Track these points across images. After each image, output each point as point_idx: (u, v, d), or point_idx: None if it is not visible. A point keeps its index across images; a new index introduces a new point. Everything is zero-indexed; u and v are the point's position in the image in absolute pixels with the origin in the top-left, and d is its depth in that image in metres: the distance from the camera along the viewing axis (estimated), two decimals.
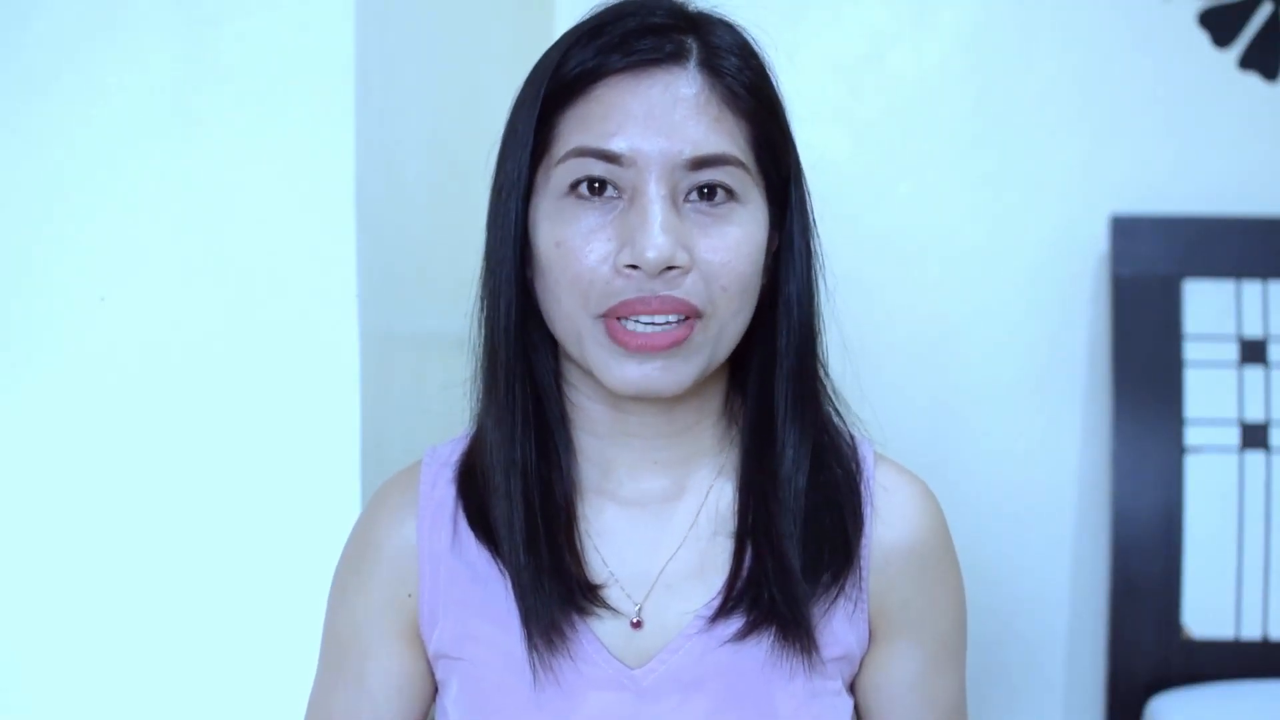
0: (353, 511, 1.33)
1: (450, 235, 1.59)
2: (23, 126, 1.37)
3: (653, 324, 0.91)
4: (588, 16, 0.94)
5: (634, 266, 0.89)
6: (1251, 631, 1.92)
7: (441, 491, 1.02)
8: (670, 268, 0.89)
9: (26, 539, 1.39)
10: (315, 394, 1.36)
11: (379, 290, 1.39)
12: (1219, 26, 2.03)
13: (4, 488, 1.39)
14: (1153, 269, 1.97)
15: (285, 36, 1.33)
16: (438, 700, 1.04)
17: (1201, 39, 2.03)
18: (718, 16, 0.96)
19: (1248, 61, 2.03)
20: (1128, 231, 1.98)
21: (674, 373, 0.92)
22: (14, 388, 1.39)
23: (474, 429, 1.02)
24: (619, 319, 0.91)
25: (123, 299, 1.37)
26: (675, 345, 0.91)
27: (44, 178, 1.37)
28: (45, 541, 1.39)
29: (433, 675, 1.03)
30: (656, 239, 0.88)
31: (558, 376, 1.00)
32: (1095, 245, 2.05)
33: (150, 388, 1.37)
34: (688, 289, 0.90)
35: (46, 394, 1.38)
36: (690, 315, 0.91)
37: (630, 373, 0.91)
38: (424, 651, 1.02)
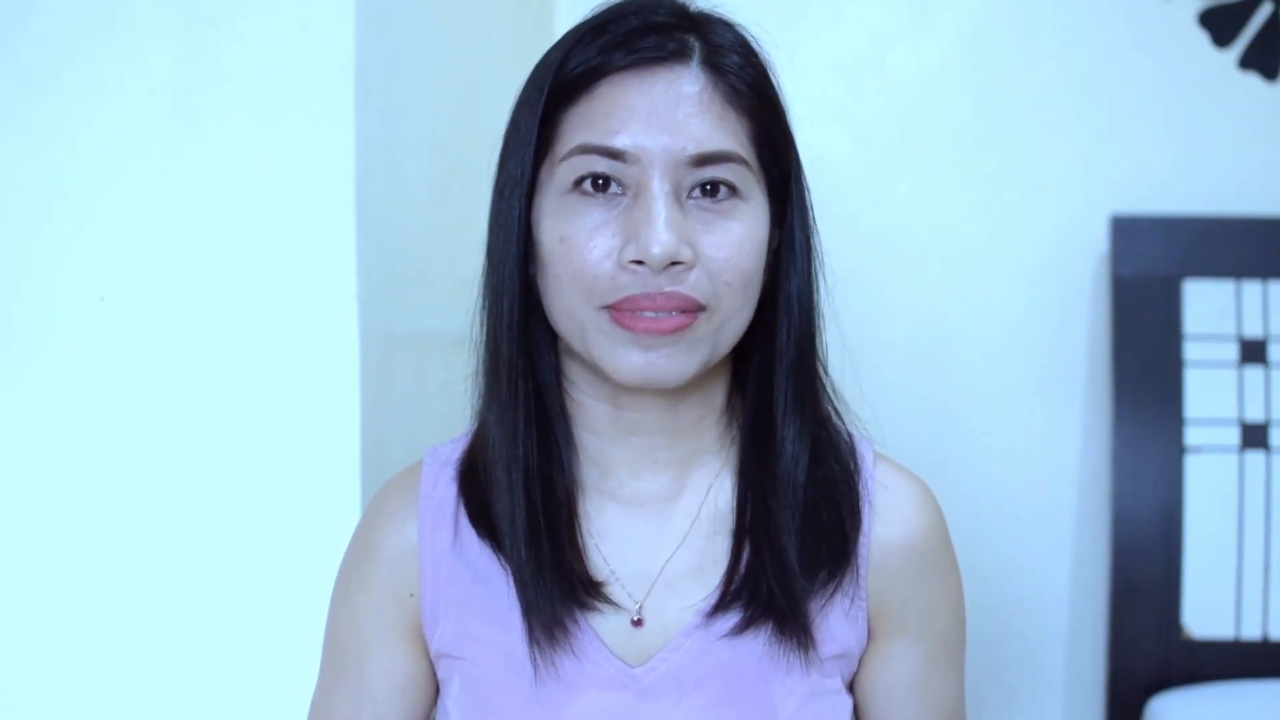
0: (353, 512, 1.33)
1: (450, 235, 1.59)
2: (23, 126, 1.37)
3: (658, 315, 0.91)
4: (590, 15, 0.95)
5: (639, 262, 0.90)
6: (1251, 631, 1.92)
7: (442, 491, 1.02)
8: (674, 263, 0.90)
9: (26, 539, 1.39)
10: (315, 394, 1.36)
11: (379, 290, 1.39)
12: (1219, 26, 2.03)
13: (4, 488, 1.39)
14: (1153, 269, 1.97)
15: (285, 36, 1.34)
16: (439, 700, 1.04)
17: (1201, 39, 2.03)
18: (718, 16, 0.96)
19: (1248, 61, 2.03)
20: (1128, 231, 1.98)
21: (677, 363, 0.92)
22: (14, 388, 1.39)
23: (475, 426, 1.02)
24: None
25: (123, 299, 1.37)
26: (680, 330, 0.91)
27: (44, 178, 1.37)
28: (45, 541, 1.39)
29: (434, 675, 1.03)
30: (661, 235, 0.89)
31: (559, 374, 1.00)
32: (1095, 245, 2.05)
33: (150, 388, 1.37)
34: (691, 284, 0.91)
35: (46, 394, 1.38)
36: (694, 310, 0.91)
37: (635, 361, 0.92)
38: (426, 651, 1.02)
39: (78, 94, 1.36)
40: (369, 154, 1.36)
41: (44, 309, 1.38)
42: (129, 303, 1.37)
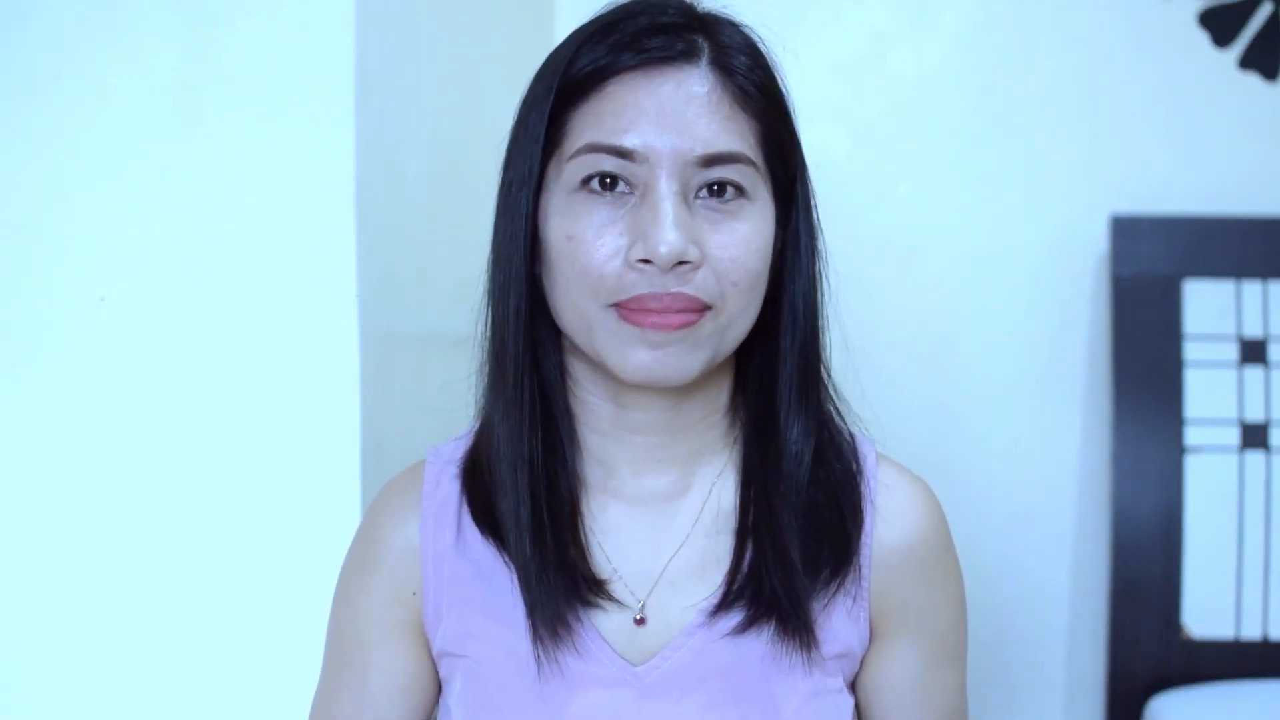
0: (353, 512, 1.33)
1: (450, 235, 1.59)
2: (23, 126, 1.37)
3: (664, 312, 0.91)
4: (597, 15, 0.95)
5: (646, 261, 0.90)
6: (1251, 631, 1.92)
7: (445, 490, 1.02)
8: (681, 263, 0.90)
9: (26, 539, 1.39)
10: (315, 394, 1.36)
11: (379, 290, 1.39)
12: (1219, 26, 2.03)
13: (4, 488, 1.39)
14: (1153, 269, 1.97)
15: (285, 36, 1.34)
16: (441, 698, 1.04)
17: (1201, 39, 2.03)
18: (725, 17, 0.97)
19: (1248, 61, 2.03)
20: (1128, 231, 1.99)
21: (683, 360, 0.92)
22: (14, 388, 1.39)
23: (479, 424, 1.03)
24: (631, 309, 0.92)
25: (123, 299, 1.37)
26: (686, 327, 0.91)
27: (44, 178, 1.37)
28: (45, 541, 1.39)
29: (436, 675, 1.03)
30: (668, 234, 0.89)
31: (562, 372, 1.00)
32: (1095, 245, 2.05)
33: (150, 388, 1.37)
34: (698, 284, 0.91)
35: (46, 394, 1.38)
36: (700, 309, 0.91)
37: (642, 358, 0.92)
38: (428, 651, 1.03)
39: (78, 94, 1.36)
40: (369, 154, 1.36)
41: (44, 309, 1.38)
42: (129, 303, 1.37)
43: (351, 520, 1.31)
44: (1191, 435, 1.94)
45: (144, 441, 1.37)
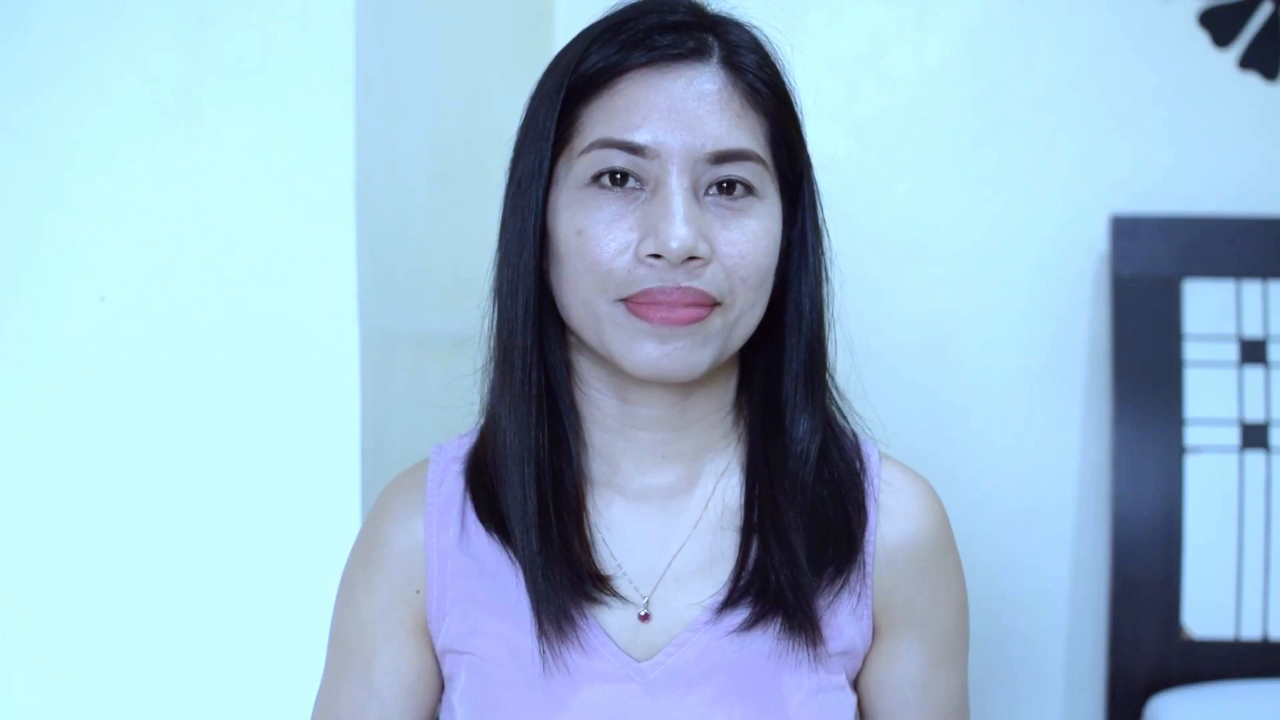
0: (353, 511, 1.33)
1: (450, 235, 1.59)
2: (23, 126, 1.37)
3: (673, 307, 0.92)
4: (606, 14, 0.96)
5: (656, 256, 0.90)
6: (1251, 631, 1.92)
7: (449, 487, 1.03)
8: (692, 258, 0.91)
9: (27, 539, 1.39)
10: (315, 394, 1.36)
11: (379, 290, 1.39)
12: (1219, 26, 2.03)
13: (4, 488, 1.39)
14: (1153, 269, 1.97)
15: (285, 36, 1.34)
16: (444, 695, 1.04)
17: (1201, 39, 2.03)
18: (733, 17, 0.98)
19: (1248, 61, 2.03)
20: (1128, 231, 1.98)
21: (691, 355, 0.93)
22: (14, 388, 1.39)
23: (484, 420, 1.03)
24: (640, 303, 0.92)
25: (123, 299, 1.37)
26: (695, 322, 0.92)
27: (44, 178, 1.37)
28: (45, 541, 1.39)
29: (439, 672, 1.04)
30: (679, 229, 0.89)
31: (568, 368, 1.00)
32: (1095, 245, 2.05)
33: (150, 388, 1.37)
34: (707, 280, 0.92)
35: (46, 394, 1.38)
36: (709, 305, 0.92)
37: (651, 352, 0.92)
38: (431, 648, 1.03)
39: (78, 94, 1.36)
40: (369, 154, 1.36)
41: (44, 309, 1.38)
42: (129, 303, 1.37)
43: (352, 520, 1.31)
44: (1191, 435, 1.94)
45: (144, 441, 1.37)
